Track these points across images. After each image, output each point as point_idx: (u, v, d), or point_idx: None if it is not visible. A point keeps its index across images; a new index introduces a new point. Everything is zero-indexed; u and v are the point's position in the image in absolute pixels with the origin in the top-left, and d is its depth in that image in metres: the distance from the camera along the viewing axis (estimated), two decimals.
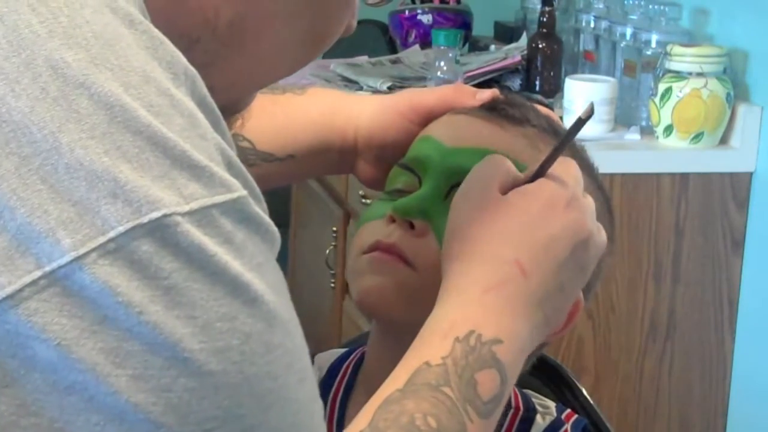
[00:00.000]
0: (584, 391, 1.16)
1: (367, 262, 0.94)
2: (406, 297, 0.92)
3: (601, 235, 0.88)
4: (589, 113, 0.88)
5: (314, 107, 1.09)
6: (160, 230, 0.55)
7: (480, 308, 0.81)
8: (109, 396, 0.54)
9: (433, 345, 0.79)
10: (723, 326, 2.27)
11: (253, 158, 1.07)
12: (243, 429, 0.57)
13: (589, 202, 0.87)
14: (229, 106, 0.65)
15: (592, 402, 1.16)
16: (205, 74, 0.65)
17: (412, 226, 0.93)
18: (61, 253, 0.54)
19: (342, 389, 1.03)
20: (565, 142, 0.90)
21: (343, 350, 1.08)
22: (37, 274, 0.54)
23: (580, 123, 0.88)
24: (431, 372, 0.77)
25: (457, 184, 0.91)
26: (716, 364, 2.28)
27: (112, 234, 0.55)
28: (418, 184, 0.97)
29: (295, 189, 3.08)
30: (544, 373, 1.17)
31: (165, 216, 0.55)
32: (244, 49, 0.72)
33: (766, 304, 2.21)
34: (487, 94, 1.02)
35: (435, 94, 1.05)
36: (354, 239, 0.98)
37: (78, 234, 0.54)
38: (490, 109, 1.00)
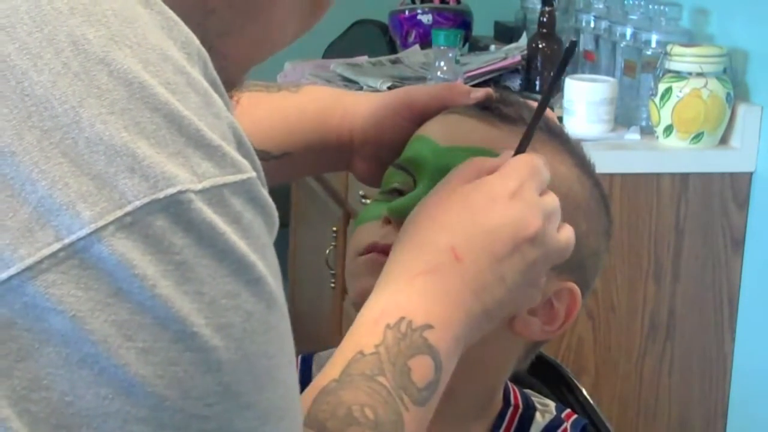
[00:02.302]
0: (584, 391, 1.16)
1: (363, 263, 0.94)
2: None
3: (562, 235, 0.87)
4: (571, 51, 0.88)
5: (309, 105, 1.09)
6: (174, 206, 0.56)
7: (410, 293, 0.81)
8: (119, 368, 0.55)
9: (365, 333, 0.79)
10: (723, 326, 2.27)
11: None
12: (239, 407, 0.58)
13: (547, 201, 0.86)
14: (229, 82, 0.66)
15: (592, 402, 1.16)
16: (222, 44, 0.65)
17: None
18: (81, 225, 0.55)
19: None
20: (539, 112, 0.89)
21: None
22: (57, 246, 0.55)
23: (562, 66, 0.87)
24: (365, 361, 0.77)
25: None
26: (716, 364, 2.28)
27: (129, 208, 0.55)
28: (413, 184, 0.97)
29: (294, 189, 3.08)
30: (543, 373, 1.17)
31: (180, 192, 0.56)
32: (259, 18, 0.73)
33: (766, 304, 2.21)
34: (481, 93, 1.02)
35: (429, 92, 1.04)
36: (350, 240, 0.98)
37: (97, 207, 0.55)
38: (484, 107, 0.99)
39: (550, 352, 1.21)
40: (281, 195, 3.13)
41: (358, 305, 0.95)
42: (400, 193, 0.97)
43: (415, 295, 0.81)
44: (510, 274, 0.83)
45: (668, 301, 2.23)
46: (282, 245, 3.27)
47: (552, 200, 0.86)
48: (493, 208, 0.83)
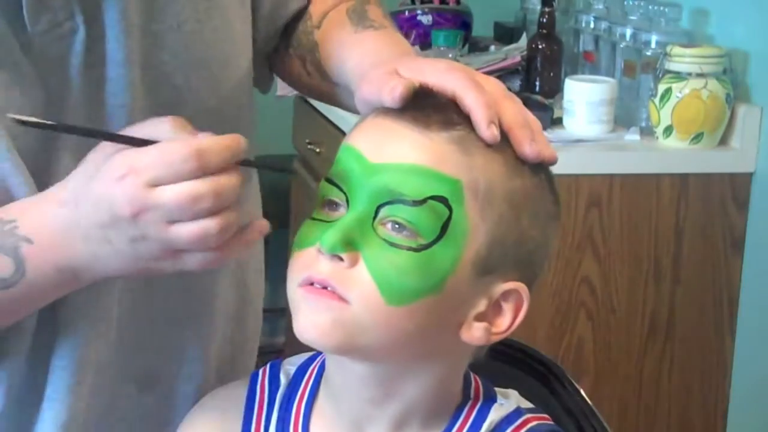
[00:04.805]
0: (582, 392, 1.16)
1: (302, 296, 0.92)
2: (343, 331, 0.90)
3: (172, 230, 0.89)
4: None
5: (370, 56, 1.06)
6: None
7: (35, 210, 0.92)
8: None
9: None
10: (723, 326, 2.27)
11: (312, 68, 1.16)
12: None
13: (156, 194, 0.88)
14: None
15: (590, 403, 1.16)
16: None
17: (341, 257, 0.90)
18: None
19: (306, 397, 1.02)
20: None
21: (309, 354, 1.06)
22: None
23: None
24: None
25: (385, 204, 0.89)
26: (716, 364, 2.29)
27: None
28: (346, 200, 0.93)
29: (294, 188, 3.08)
30: (540, 373, 1.17)
31: None
32: None
33: (766, 304, 2.21)
34: (398, 92, 0.92)
35: (433, 78, 0.94)
36: (290, 264, 0.95)
37: None
38: (414, 109, 0.92)
39: (550, 353, 1.21)
40: (281, 195, 3.12)
41: (300, 340, 0.92)
42: (336, 208, 0.94)
43: (36, 212, 0.92)
44: (116, 239, 0.90)
45: (668, 302, 2.23)
46: (282, 245, 3.26)
47: (163, 196, 0.88)
48: (101, 177, 0.90)
